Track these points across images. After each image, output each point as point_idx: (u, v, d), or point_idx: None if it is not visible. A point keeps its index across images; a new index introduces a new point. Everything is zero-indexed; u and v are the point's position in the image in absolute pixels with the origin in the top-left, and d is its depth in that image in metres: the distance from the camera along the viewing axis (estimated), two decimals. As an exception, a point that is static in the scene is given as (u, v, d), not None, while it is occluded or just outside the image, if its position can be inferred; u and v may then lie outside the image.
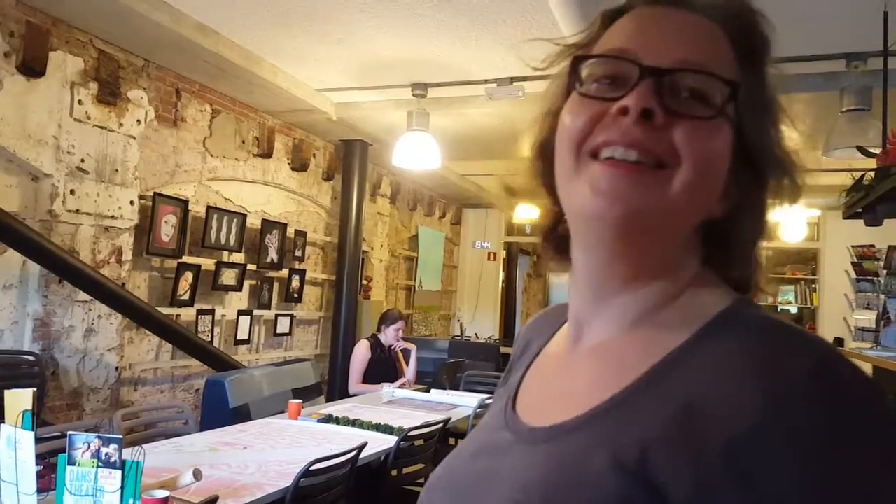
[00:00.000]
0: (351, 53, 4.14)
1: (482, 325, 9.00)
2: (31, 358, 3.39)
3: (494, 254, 9.35)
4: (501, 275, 9.69)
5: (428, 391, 4.33)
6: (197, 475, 1.89)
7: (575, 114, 0.52)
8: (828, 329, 7.17)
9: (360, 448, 2.44)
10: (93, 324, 3.76)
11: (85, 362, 3.73)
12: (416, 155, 4.67)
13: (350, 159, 5.89)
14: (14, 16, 3.25)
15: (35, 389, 1.77)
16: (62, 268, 3.45)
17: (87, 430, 2.69)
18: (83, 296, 3.65)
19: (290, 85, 4.59)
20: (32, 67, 3.31)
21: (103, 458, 1.75)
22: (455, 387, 4.99)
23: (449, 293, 9.15)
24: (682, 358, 0.47)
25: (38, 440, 2.04)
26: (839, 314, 7.10)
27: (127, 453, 1.80)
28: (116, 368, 3.92)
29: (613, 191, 0.48)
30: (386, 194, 7.01)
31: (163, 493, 1.76)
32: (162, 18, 3.49)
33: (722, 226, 0.53)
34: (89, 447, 1.75)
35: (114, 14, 3.38)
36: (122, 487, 1.74)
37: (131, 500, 1.73)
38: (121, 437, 1.78)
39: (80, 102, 3.62)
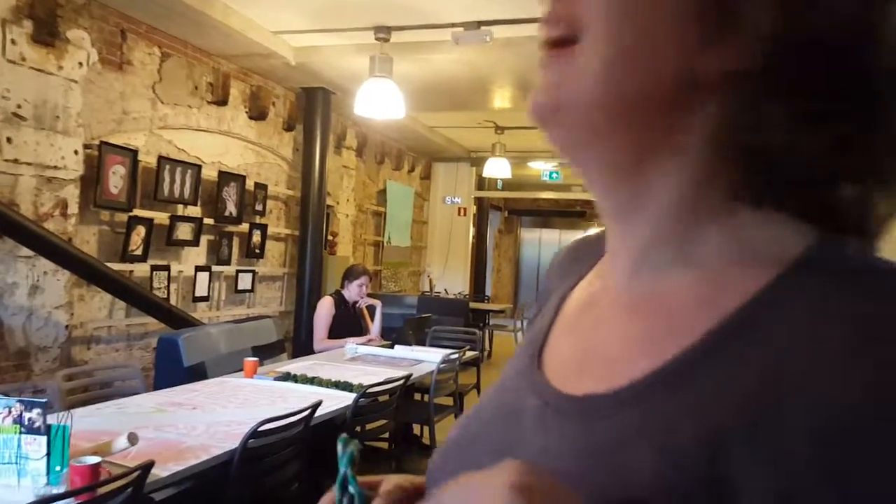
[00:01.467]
0: (308, -8, 3.90)
1: (452, 281, 8.93)
2: (-31, 317, 3.20)
3: (465, 209, 9.24)
4: (472, 230, 9.60)
5: (392, 347, 4.24)
6: (132, 439, 1.77)
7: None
8: None
9: (315, 406, 2.33)
10: (38, 280, 3.57)
11: (31, 320, 3.55)
12: (379, 103, 4.46)
13: (312, 108, 5.66)
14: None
15: None
16: (1, 222, 3.24)
17: (30, 393, 2.54)
18: (26, 251, 3.44)
19: (245, 27, 4.33)
20: (-46, 1, 3.03)
21: (26, 423, 1.62)
22: (421, 342, 4.91)
23: (419, 249, 9.04)
24: (757, 315, 0.35)
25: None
26: None
27: (56, 418, 1.67)
28: (66, 327, 3.74)
29: (532, 97, 0.40)
30: (352, 147, 6.80)
31: (93, 460, 1.64)
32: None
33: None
34: (10, 412, 1.62)
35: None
36: (49, 454, 1.61)
37: (58, 467, 1.61)
38: (45, 400, 1.65)
39: (13, 42, 3.35)
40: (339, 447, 0.41)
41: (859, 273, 0.34)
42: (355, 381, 3.07)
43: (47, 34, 3.51)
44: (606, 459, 0.36)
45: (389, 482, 0.45)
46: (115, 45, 3.98)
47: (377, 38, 4.39)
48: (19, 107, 3.40)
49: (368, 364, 3.76)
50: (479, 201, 9.61)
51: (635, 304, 0.41)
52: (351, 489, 0.41)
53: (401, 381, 3.02)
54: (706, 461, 0.32)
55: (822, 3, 0.34)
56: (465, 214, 9.27)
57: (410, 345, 4.55)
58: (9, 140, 3.36)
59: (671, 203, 0.39)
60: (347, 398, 2.81)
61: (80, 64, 3.74)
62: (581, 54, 0.37)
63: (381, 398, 3.02)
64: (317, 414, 2.37)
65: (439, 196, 9.26)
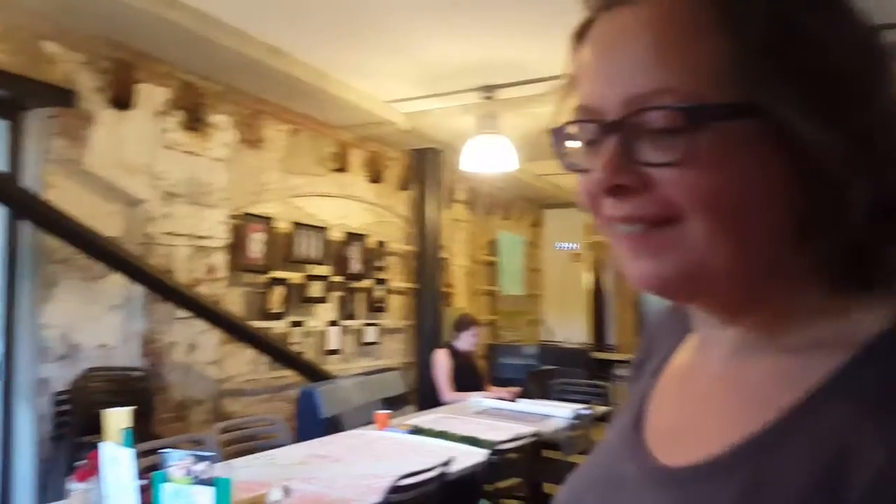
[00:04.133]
0: (415, 62, 4.20)
1: (570, 329, 8.83)
2: (140, 373, 3.60)
3: (579, 254, 9.17)
4: (588, 276, 9.48)
5: (514, 401, 4.26)
6: (286, 491, 1.93)
7: (579, 187, 0.47)
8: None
9: (446, 464, 2.43)
10: (194, 339, 3.96)
11: (188, 376, 3.93)
12: (486, 158, 4.67)
13: (423, 167, 5.97)
14: (103, 53, 3.50)
15: (134, 407, 1.85)
16: (161, 287, 3.66)
17: (190, 443, 2.80)
18: (183, 313, 3.85)
19: (360, 99, 4.71)
20: (122, 101, 3.55)
21: (196, 475, 1.81)
22: (545, 396, 4.86)
23: (534, 297, 9.05)
24: (834, 390, 0.39)
25: (143, 454, 2.13)
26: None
27: (219, 469, 1.84)
28: (218, 381, 4.11)
29: (637, 269, 0.44)
30: (462, 200, 7.05)
31: None
32: (233, 43, 3.66)
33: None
34: (182, 464, 1.82)
35: (190, 43, 3.58)
36: None
37: None
38: (212, 454, 1.82)
39: (167, 131, 3.85)
40: None
41: None
42: (483, 437, 3.12)
43: (195, 121, 4.00)
44: None
45: None
46: (250, 125, 4.45)
47: (482, 98, 4.62)
48: (174, 185, 3.88)
49: (494, 418, 3.78)
50: (596, 246, 9.52)
51: (728, 382, 0.46)
52: None
53: (530, 438, 3.05)
54: None
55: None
56: (579, 260, 9.20)
57: (533, 398, 4.51)
58: (167, 215, 3.82)
59: (775, 309, 0.44)
60: (477, 453, 2.86)
61: (224, 144, 4.21)
62: (686, 234, 0.41)
63: (510, 455, 3.01)
64: (450, 470, 2.47)
65: (551, 243, 9.28)
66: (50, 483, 2.95)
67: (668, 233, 0.42)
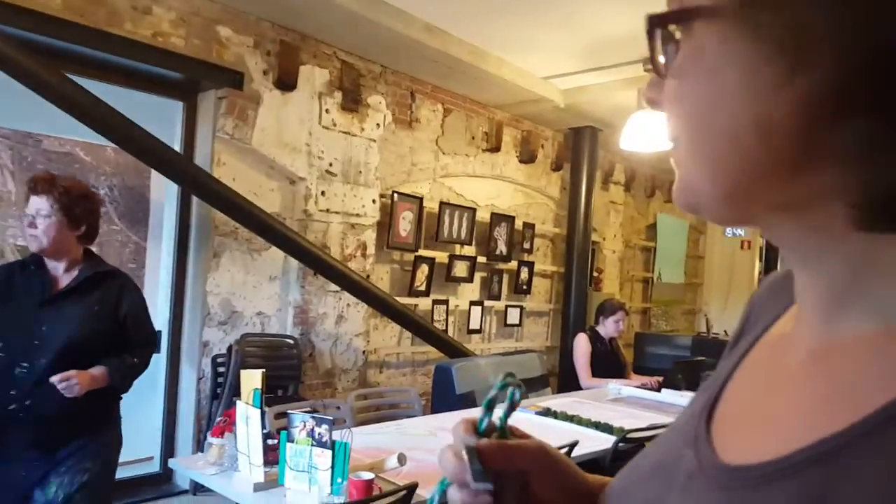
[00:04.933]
0: (575, 35, 4.03)
1: (733, 321, 8.22)
2: (291, 341, 3.86)
3: (749, 241, 8.49)
4: (758, 265, 8.76)
5: (659, 390, 4.06)
6: (401, 459, 1.97)
7: None
8: None
9: (572, 445, 2.35)
10: (343, 311, 4.17)
11: (336, 346, 4.15)
12: (647, 135, 4.38)
13: (579, 147, 5.76)
14: (270, 36, 3.71)
15: (264, 370, 1.97)
16: (316, 262, 3.87)
17: (327, 408, 2.95)
18: (334, 287, 4.05)
19: (516, 76, 4.62)
20: (286, 82, 3.74)
21: (317, 437, 1.90)
22: (693, 388, 4.61)
23: (694, 286, 8.53)
24: None
25: (283, 415, 2.27)
26: None
27: (339, 434, 1.89)
28: (364, 352, 4.30)
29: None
30: (619, 181, 6.74)
31: (368, 476, 1.85)
32: (393, 23, 3.72)
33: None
34: (305, 426, 1.91)
35: (352, 24, 3.69)
36: (332, 466, 1.86)
37: (339, 479, 1.85)
38: (331, 418, 1.90)
39: (326, 111, 4.02)
40: (500, 379, 0.46)
41: None
42: (616, 424, 3.02)
43: (352, 101, 4.14)
44: None
45: (529, 443, 0.48)
46: (405, 106, 4.53)
47: (646, 70, 4.32)
48: (331, 165, 4.05)
49: (632, 406, 3.65)
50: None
51: (818, 358, 0.39)
52: (496, 420, 0.46)
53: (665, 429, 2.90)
54: None
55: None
56: (749, 248, 8.52)
57: (679, 389, 4.30)
58: (323, 193, 4.02)
59: (842, 250, 0.37)
60: (607, 440, 2.78)
61: (378, 125, 4.33)
62: (681, 163, 0.40)
63: (644, 444, 2.90)
64: (574, 454, 2.39)
65: (720, 228, 8.65)
66: (205, 437, 3.26)
67: (676, 152, 0.40)
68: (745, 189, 0.38)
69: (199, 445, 3.38)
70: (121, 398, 2.16)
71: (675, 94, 0.39)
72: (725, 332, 7.93)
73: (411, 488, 1.77)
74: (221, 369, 3.48)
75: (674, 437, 0.48)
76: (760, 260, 8.87)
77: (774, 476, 0.35)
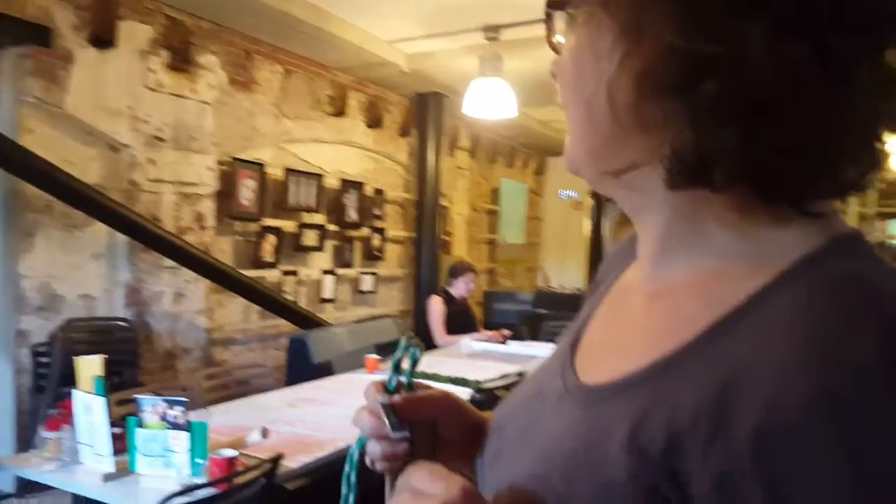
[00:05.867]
0: (419, 0, 3.98)
1: (569, 276, 8.79)
2: (125, 323, 3.54)
3: (580, 202, 9.06)
4: (588, 224, 9.40)
5: (506, 342, 4.30)
6: (264, 433, 1.90)
7: None
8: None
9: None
10: (181, 288, 3.89)
11: (176, 325, 3.88)
12: (489, 103, 4.47)
13: (425, 113, 5.77)
14: (81, -12, 3.30)
15: (105, 356, 1.81)
16: (147, 236, 3.56)
17: (174, 391, 2.77)
18: (170, 262, 3.76)
19: (361, 39, 4.49)
20: (103, 38, 3.36)
21: (171, 419, 1.79)
22: (536, 338, 4.90)
23: (534, 245, 8.97)
24: (742, 317, 0.40)
25: (124, 402, 2.10)
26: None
27: (195, 415, 1.83)
28: (206, 330, 4.05)
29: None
30: (465, 147, 6.86)
31: (230, 453, 1.78)
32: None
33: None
34: (156, 410, 1.79)
35: (176, -23, 3.37)
36: (191, 448, 1.77)
37: (199, 460, 1.76)
38: (185, 399, 1.81)
39: (152, 71, 3.67)
40: (403, 342, 0.52)
41: (836, 280, 0.38)
42: (471, 377, 3.14)
43: (181, 61, 3.82)
44: (594, 441, 0.42)
45: (435, 392, 0.55)
46: (242, 67, 4.26)
47: (487, 38, 4.40)
48: (159, 130, 3.72)
49: (484, 360, 3.81)
50: (595, 194, 9.38)
51: (653, 298, 0.47)
52: (403, 378, 0.52)
53: (514, 378, 3.05)
54: (665, 453, 0.38)
55: (701, 19, 0.39)
56: (580, 208, 9.09)
57: (525, 340, 4.55)
58: (151, 161, 3.69)
59: (667, 206, 0.45)
60: (463, 392, 2.86)
61: (212, 86, 4.03)
62: (567, 130, 0.48)
63: (498, 393, 3.04)
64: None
65: (553, 191, 9.14)
66: (31, 434, 2.93)
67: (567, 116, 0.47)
68: (599, 154, 0.46)
69: (26, 443, 3.03)
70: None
71: (559, 69, 0.47)
72: (563, 286, 8.46)
73: (275, 459, 1.71)
74: (44, 359, 3.12)
75: (546, 369, 0.56)
76: (590, 219, 9.52)
77: (617, 392, 0.44)
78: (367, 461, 0.53)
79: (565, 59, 0.46)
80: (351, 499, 0.55)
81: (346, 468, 0.54)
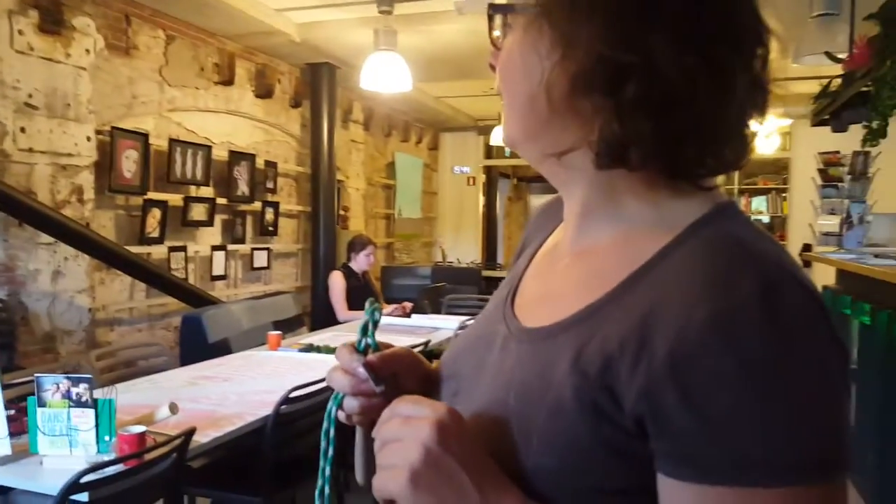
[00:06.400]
0: (309, -33, 3.89)
1: (464, 250, 8.97)
2: (-2, 304, 3.29)
3: (474, 178, 9.24)
4: (482, 199, 9.60)
5: (410, 316, 4.32)
6: (173, 409, 1.86)
7: None
8: (797, 236, 7.22)
9: (425, 344, 2.44)
10: (59, 266, 3.65)
11: (55, 305, 3.64)
12: (385, 77, 4.46)
13: (318, 84, 5.66)
14: (-67, -65, 2.98)
15: None
16: (20, 210, 3.31)
17: (62, 373, 2.63)
18: (46, 238, 3.52)
19: (247, 5, 4.34)
20: (-39, -7, 3.06)
21: (74, 398, 1.72)
22: (437, 311, 4.98)
23: (430, 220, 9.07)
24: (653, 266, 0.50)
25: (8, 386, 1.98)
26: (807, 221, 7.16)
27: (101, 392, 1.77)
28: (89, 310, 3.83)
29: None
30: (359, 120, 6.80)
31: (139, 429, 1.74)
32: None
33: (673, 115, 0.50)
34: (59, 388, 1.72)
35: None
36: (97, 425, 1.71)
37: (107, 437, 1.71)
38: (90, 376, 1.75)
39: (20, 32, 3.39)
40: (367, 306, 0.59)
41: (718, 239, 0.49)
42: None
43: (53, 23, 3.54)
44: (542, 370, 0.51)
45: (399, 349, 0.62)
46: (120, 31, 4.00)
47: (380, 11, 4.37)
48: (30, 96, 3.45)
49: (388, 333, 3.83)
50: (488, 169, 9.59)
51: (579, 257, 0.57)
52: (369, 340, 0.58)
53: (420, 348, 3.10)
54: (600, 373, 0.47)
55: (616, 30, 0.48)
56: (474, 183, 9.26)
57: (427, 313, 4.61)
58: (22, 130, 3.41)
59: (591, 181, 0.54)
60: None
61: (88, 51, 3.77)
62: (503, 111, 0.56)
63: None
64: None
65: (448, 166, 9.26)
66: None
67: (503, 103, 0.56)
68: (536, 134, 0.54)
69: None
70: None
71: (501, 62, 0.55)
72: (458, 259, 8.63)
73: (189, 433, 1.68)
74: None
75: (486, 319, 0.64)
76: (484, 194, 9.73)
77: (559, 331, 0.53)
78: (342, 416, 0.59)
79: (506, 54, 0.54)
80: (330, 451, 0.59)
81: (325, 424, 0.58)
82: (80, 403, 1.75)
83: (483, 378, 0.57)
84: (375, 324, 0.58)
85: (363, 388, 0.56)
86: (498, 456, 0.50)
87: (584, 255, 0.57)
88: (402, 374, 0.60)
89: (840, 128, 3.09)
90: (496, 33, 0.56)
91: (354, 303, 4.44)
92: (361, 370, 0.56)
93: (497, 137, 7.31)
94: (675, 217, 0.52)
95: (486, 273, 7.79)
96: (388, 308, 4.54)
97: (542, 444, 0.49)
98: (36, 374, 1.78)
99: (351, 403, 0.58)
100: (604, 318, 0.50)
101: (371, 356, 0.57)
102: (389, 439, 0.49)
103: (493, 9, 0.56)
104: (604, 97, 0.49)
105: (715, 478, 0.42)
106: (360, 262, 4.52)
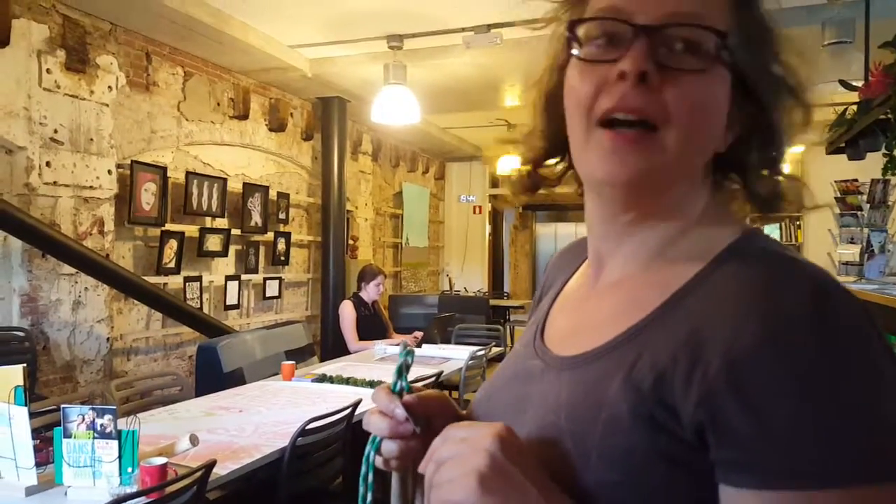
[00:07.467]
0: (323, 6, 4.03)
1: (471, 278, 9.04)
2: (21, 333, 3.38)
3: (480, 207, 9.34)
4: (488, 228, 9.69)
5: (420, 346, 4.37)
6: (193, 440, 1.90)
7: (580, 80, 0.56)
8: (812, 265, 7.26)
9: (355, 405, 2.46)
10: (80, 296, 3.74)
11: (75, 335, 3.72)
12: (394, 110, 4.60)
13: (328, 117, 5.80)
14: (-30, -18, 3.13)
15: (25, 365, 1.76)
16: (44, 241, 3.41)
17: (81, 402, 2.69)
18: (68, 269, 3.62)
19: (262, 42, 4.48)
20: (-5, 36, 3.20)
21: (98, 428, 1.76)
22: (446, 341, 5.02)
23: (436, 248, 9.15)
24: (692, 290, 0.52)
25: (32, 415, 2.04)
26: (824, 250, 7.20)
27: (122, 423, 1.81)
28: (108, 339, 3.92)
29: (618, 159, 0.53)
30: (367, 152, 6.94)
31: (161, 461, 1.77)
32: (125, -21, 3.37)
33: (736, 151, 0.57)
34: (84, 419, 1.76)
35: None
36: (120, 456, 1.75)
37: (130, 469, 1.75)
38: (114, 407, 1.78)
39: (48, 71, 3.52)
40: (401, 350, 0.58)
41: (756, 257, 0.51)
42: (388, 380, 3.19)
43: (78, 61, 3.68)
44: (592, 389, 0.52)
45: (432, 392, 0.61)
46: (140, 68, 4.15)
47: (390, 47, 4.52)
48: (56, 132, 3.58)
49: (398, 363, 3.88)
50: (494, 198, 9.70)
51: (608, 290, 0.60)
52: (401, 382, 0.57)
53: (432, 379, 3.14)
54: (654, 387, 0.48)
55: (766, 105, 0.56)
56: (480, 212, 9.36)
57: (436, 343, 4.66)
58: (48, 164, 3.53)
59: (614, 232, 0.59)
60: None
61: (110, 88, 3.91)
62: (668, 137, 0.53)
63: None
64: (357, 412, 2.50)
65: (454, 195, 9.37)
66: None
67: (650, 137, 0.52)
68: (700, 173, 0.58)
69: None
70: None
71: (681, 98, 0.52)
72: (465, 288, 8.69)
73: (209, 466, 1.73)
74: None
75: (517, 359, 0.65)
76: (489, 223, 9.82)
77: (604, 353, 0.54)
78: (379, 461, 0.57)
79: (690, 100, 0.52)
80: (369, 498, 0.57)
81: (363, 469, 0.57)
82: (104, 435, 1.76)
83: (527, 409, 0.57)
84: (408, 367, 0.58)
85: (400, 430, 0.55)
86: (555, 476, 0.50)
87: (616, 286, 0.59)
88: (435, 417, 0.58)
89: (857, 156, 3.11)
90: (650, 66, 0.52)
91: (364, 332, 4.47)
92: (401, 412, 0.55)
93: (505, 166, 7.42)
94: (709, 245, 0.54)
95: (493, 302, 7.84)
96: (398, 339, 4.58)
97: (601, 460, 0.49)
98: (62, 406, 1.81)
99: (390, 447, 0.56)
100: (649, 337, 0.51)
101: (408, 397, 0.56)
102: (446, 458, 0.49)
103: (720, 41, 0.53)
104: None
105: (779, 483, 0.43)
106: (370, 292, 4.57)
